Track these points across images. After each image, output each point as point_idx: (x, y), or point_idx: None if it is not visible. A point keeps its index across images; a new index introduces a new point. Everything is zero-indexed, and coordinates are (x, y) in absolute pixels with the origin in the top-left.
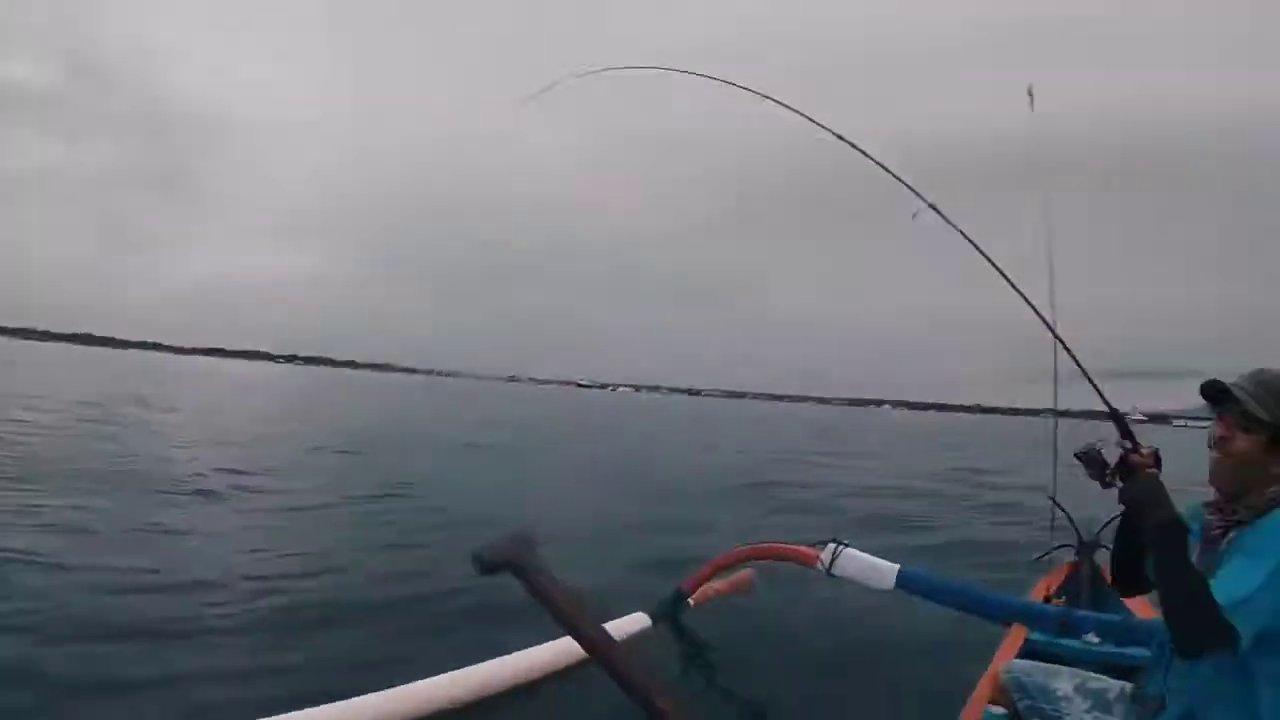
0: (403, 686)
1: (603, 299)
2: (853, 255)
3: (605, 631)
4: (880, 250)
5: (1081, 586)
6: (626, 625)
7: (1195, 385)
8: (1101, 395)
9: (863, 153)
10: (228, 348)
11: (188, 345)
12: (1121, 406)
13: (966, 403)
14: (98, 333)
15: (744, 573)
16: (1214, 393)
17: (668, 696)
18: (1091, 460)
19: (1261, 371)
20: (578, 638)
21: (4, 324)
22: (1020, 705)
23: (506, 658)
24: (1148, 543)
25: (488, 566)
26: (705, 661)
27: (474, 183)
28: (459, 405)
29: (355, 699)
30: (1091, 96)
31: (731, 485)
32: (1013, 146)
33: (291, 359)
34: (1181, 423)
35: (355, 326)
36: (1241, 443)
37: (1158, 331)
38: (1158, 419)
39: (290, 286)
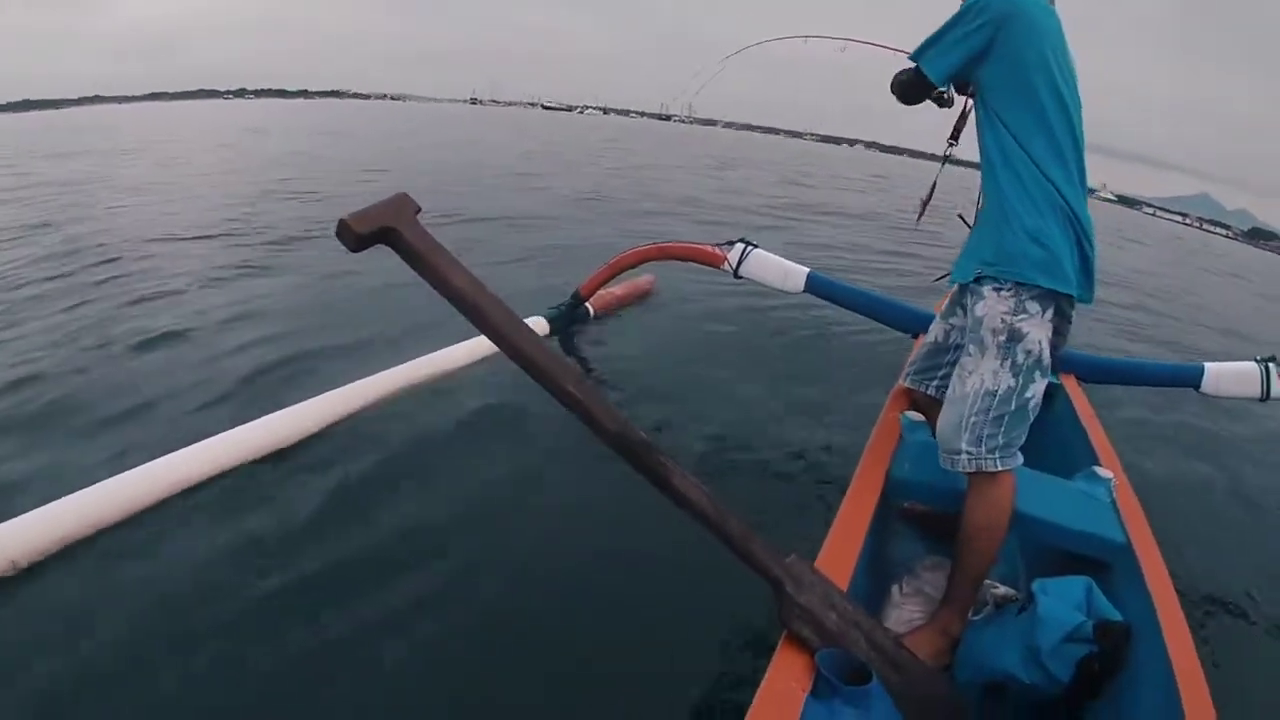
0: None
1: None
2: None
3: (509, 311)
4: None
5: None
6: None
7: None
8: None
9: None
10: (170, 90)
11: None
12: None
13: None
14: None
15: (644, 278)
16: None
17: (579, 382)
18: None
19: None
20: (478, 319)
21: None
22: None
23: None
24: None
25: (360, 240)
26: (605, 374)
27: None
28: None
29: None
30: None
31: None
32: None
33: (240, 93)
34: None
35: (304, 52)
36: None
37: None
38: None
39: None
